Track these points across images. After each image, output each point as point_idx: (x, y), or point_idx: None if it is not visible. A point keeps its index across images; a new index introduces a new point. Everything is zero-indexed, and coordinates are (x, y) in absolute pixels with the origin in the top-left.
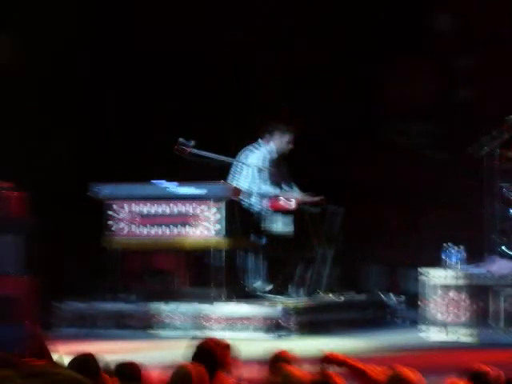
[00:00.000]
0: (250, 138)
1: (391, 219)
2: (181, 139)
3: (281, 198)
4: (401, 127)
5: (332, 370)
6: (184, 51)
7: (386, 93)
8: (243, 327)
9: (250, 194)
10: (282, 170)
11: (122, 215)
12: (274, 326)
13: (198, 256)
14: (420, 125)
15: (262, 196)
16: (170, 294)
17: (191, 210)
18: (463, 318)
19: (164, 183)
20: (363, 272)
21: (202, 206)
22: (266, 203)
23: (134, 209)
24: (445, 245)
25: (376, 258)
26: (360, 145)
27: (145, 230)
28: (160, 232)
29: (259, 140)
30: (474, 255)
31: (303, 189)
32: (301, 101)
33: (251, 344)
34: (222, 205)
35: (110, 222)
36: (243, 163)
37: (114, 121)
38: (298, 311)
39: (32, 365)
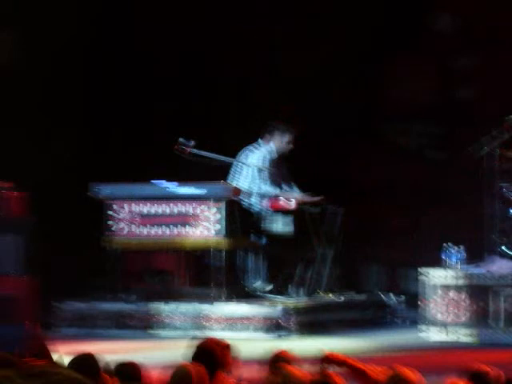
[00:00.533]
0: (250, 138)
1: (391, 219)
2: (181, 139)
3: (281, 198)
4: (401, 127)
5: (332, 370)
6: (184, 51)
7: (386, 92)
8: (243, 327)
9: (250, 194)
10: (282, 170)
11: (122, 215)
12: (273, 326)
13: (198, 256)
14: (420, 125)
15: (262, 196)
16: (170, 294)
17: (191, 210)
18: (463, 318)
19: (164, 183)
20: (363, 272)
21: (202, 206)
22: (266, 203)
23: (134, 209)
24: (445, 245)
25: (376, 258)
26: (360, 145)
27: (145, 230)
28: (160, 232)
29: (259, 140)
30: (474, 255)
31: (303, 189)
32: (301, 101)
33: (251, 344)
34: (222, 205)
35: (109, 222)
36: (243, 163)
37: (114, 121)
38: (298, 311)
39: (32, 365)
